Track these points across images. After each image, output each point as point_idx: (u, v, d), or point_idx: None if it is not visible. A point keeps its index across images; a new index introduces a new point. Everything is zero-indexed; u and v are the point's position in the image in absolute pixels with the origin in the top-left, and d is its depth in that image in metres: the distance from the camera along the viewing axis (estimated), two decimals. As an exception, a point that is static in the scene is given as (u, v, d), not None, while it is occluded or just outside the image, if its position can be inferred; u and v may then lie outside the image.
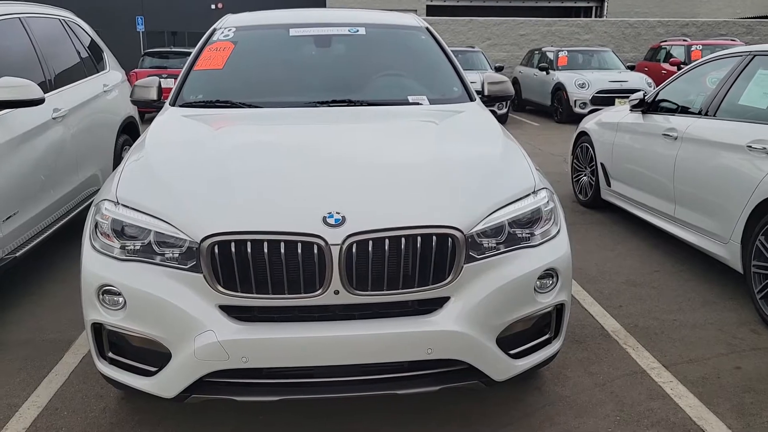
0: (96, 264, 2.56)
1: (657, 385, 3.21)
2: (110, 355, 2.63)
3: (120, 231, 2.56)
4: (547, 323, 2.76)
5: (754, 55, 4.54)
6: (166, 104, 3.77)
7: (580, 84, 13.92)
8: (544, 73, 15.35)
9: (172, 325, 2.43)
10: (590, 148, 6.51)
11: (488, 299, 2.50)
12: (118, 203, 2.62)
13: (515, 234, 2.63)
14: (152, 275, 2.47)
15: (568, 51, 15.91)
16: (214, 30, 4.24)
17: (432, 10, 29.30)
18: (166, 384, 2.50)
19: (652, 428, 2.86)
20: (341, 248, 2.34)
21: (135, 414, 2.99)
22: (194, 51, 4.10)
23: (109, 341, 2.62)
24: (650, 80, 14.19)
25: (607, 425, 2.89)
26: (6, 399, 3.14)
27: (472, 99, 3.89)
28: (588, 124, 6.72)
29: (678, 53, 16.75)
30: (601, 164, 6.23)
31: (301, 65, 4.06)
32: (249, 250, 2.35)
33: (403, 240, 2.39)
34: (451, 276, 2.45)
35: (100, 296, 2.54)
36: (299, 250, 2.35)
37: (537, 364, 2.73)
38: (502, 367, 2.59)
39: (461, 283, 2.47)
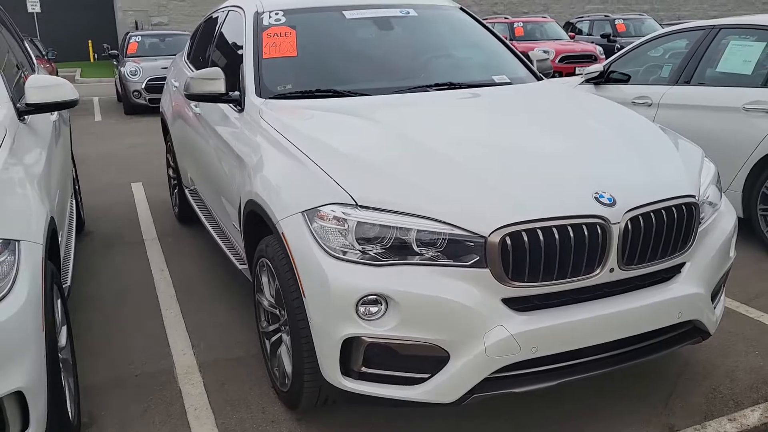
0: (350, 274, 2.33)
1: (753, 320, 3.67)
2: (363, 369, 2.42)
3: (364, 234, 2.36)
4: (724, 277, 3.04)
5: (720, 29, 5.19)
6: (251, 97, 3.39)
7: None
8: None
9: (456, 325, 2.32)
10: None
11: (713, 259, 2.72)
12: (358, 205, 2.40)
13: (706, 199, 2.85)
14: (423, 277, 2.32)
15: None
16: (259, 14, 3.82)
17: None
18: (444, 388, 2.37)
19: (790, 356, 3.29)
20: (620, 226, 2.40)
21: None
22: (247, 39, 3.69)
23: (364, 355, 2.41)
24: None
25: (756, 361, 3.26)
26: (170, 444, 2.74)
27: (539, 78, 4.01)
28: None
29: (501, 30, 18.09)
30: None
31: (380, 49, 3.87)
32: (541, 237, 2.31)
33: (663, 212, 2.50)
34: (692, 241, 2.61)
35: (359, 308, 2.33)
36: (585, 233, 2.36)
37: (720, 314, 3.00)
38: (713, 320, 2.81)
39: (694, 247, 2.65)
